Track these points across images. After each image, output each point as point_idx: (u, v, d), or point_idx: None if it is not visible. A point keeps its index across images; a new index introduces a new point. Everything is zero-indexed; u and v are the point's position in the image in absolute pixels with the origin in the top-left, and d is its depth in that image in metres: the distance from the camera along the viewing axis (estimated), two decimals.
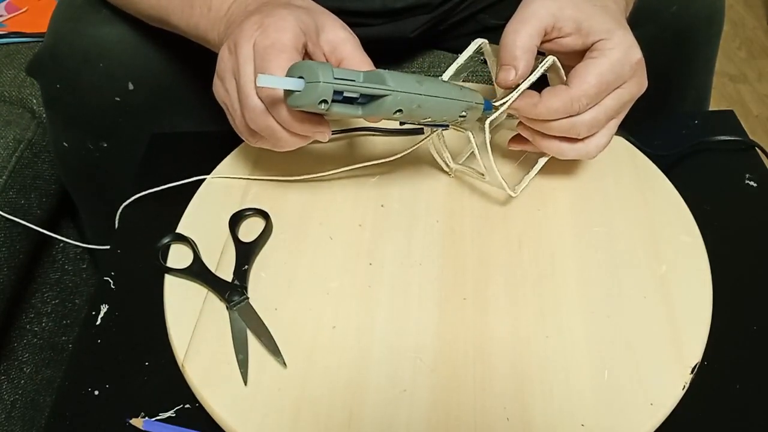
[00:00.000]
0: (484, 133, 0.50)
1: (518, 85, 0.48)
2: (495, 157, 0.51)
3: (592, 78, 0.47)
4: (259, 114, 0.45)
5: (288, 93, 0.41)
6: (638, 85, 0.49)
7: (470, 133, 0.51)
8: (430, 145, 0.55)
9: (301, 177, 0.56)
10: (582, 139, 0.50)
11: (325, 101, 0.40)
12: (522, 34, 0.47)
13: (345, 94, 0.41)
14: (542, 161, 0.55)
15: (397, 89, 0.42)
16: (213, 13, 0.52)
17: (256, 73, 0.44)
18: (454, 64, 0.51)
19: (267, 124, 0.45)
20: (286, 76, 0.41)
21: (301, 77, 0.40)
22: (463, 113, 0.47)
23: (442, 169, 0.57)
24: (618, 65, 0.47)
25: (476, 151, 0.51)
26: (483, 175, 0.53)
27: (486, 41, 0.52)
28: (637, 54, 0.47)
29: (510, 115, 0.53)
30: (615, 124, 0.51)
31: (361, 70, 0.44)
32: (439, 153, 0.56)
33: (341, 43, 0.47)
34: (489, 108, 0.49)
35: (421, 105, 0.44)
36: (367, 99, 0.42)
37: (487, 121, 0.49)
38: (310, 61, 0.42)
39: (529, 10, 0.47)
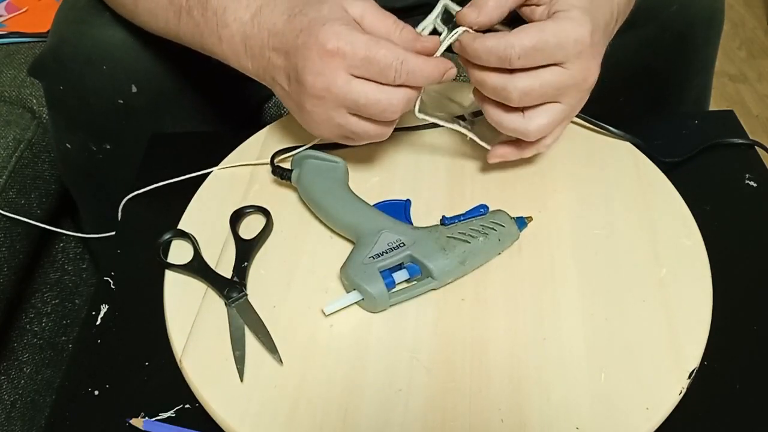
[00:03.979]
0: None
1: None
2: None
3: (533, 31, 0.46)
4: (401, 100, 0.47)
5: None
6: (583, 70, 0.48)
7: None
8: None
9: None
10: (521, 112, 0.49)
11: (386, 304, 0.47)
12: None
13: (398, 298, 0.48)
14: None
15: (442, 280, 0.48)
16: (226, 46, 0.53)
17: (381, 72, 0.46)
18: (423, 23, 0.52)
19: (407, 97, 0.48)
20: (346, 283, 0.48)
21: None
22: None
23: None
24: (562, 33, 0.46)
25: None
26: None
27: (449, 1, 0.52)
28: (585, 33, 0.46)
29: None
30: (561, 110, 0.49)
31: (391, 38, 0.48)
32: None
33: (362, 16, 0.49)
34: (523, 226, 0.52)
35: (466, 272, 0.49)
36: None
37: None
38: (360, 276, 0.47)
39: None
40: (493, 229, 0.49)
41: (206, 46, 0.55)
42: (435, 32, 0.52)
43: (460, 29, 0.49)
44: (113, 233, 0.57)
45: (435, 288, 0.48)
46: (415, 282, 0.48)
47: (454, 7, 0.52)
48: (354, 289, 0.47)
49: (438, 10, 0.51)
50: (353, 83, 0.46)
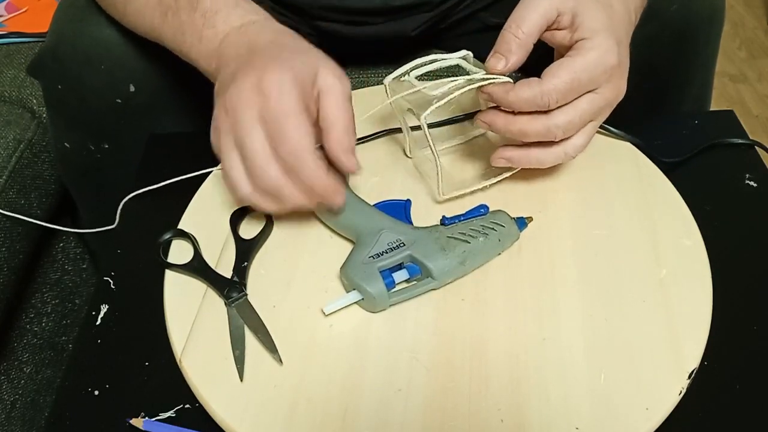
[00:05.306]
0: (426, 111, 0.50)
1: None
2: (469, 160, 0.51)
3: (565, 74, 0.47)
4: (274, 180, 0.45)
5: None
6: (615, 90, 0.49)
7: (425, 125, 0.51)
8: (404, 126, 0.56)
9: None
10: (558, 143, 0.50)
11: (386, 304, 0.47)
12: (523, 29, 0.48)
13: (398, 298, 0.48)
14: (491, 181, 0.55)
15: (442, 280, 0.48)
16: (204, 45, 0.53)
17: (276, 142, 0.44)
18: (430, 65, 0.52)
19: (278, 184, 0.45)
20: (344, 281, 0.48)
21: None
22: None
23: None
24: (592, 66, 0.47)
25: (423, 125, 0.51)
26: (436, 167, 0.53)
27: (470, 53, 0.53)
28: (612, 59, 0.47)
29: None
30: (593, 126, 0.51)
31: (331, 132, 0.46)
32: (406, 133, 0.57)
33: (327, 91, 0.47)
34: (523, 226, 0.51)
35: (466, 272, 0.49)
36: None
37: (423, 116, 0.50)
38: (359, 276, 0.46)
39: (534, 3, 0.48)
40: (493, 229, 0.49)
41: (184, 46, 0.55)
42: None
43: (501, 79, 0.49)
44: (111, 227, 0.57)
45: (435, 288, 0.48)
46: (415, 282, 0.48)
47: (470, 68, 0.52)
48: (354, 289, 0.47)
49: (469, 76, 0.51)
50: (255, 128, 0.45)
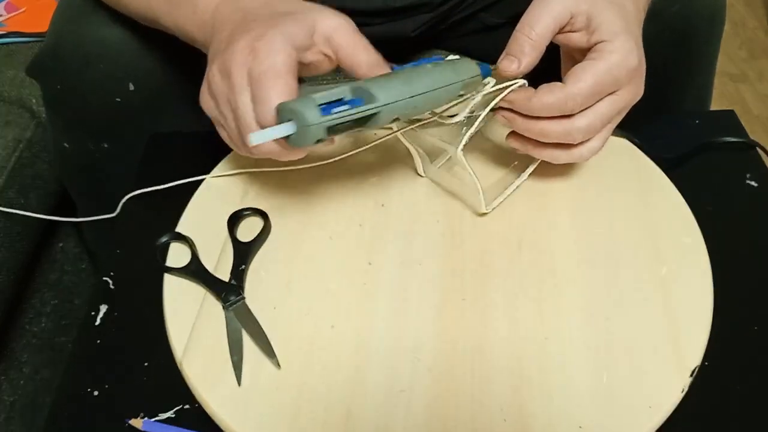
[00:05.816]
0: (460, 143, 0.50)
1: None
2: (476, 167, 0.51)
3: (589, 78, 0.47)
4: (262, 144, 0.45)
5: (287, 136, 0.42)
6: (634, 92, 0.49)
7: (462, 157, 0.51)
8: (409, 145, 0.55)
9: (300, 166, 0.55)
10: (576, 146, 0.50)
11: (321, 139, 0.41)
12: (536, 31, 0.48)
13: (337, 122, 0.41)
14: (522, 179, 0.55)
15: (387, 101, 0.42)
16: (198, 15, 0.52)
17: (255, 102, 0.44)
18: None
19: (269, 150, 0.45)
20: (277, 117, 0.42)
21: (291, 119, 0.41)
22: (461, 92, 0.47)
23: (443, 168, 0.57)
24: (615, 69, 0.47)
25: (460, 157, 0.50)
26: (461, 180, 0.52)
27: (456, 56, 0.51)
28: (634, 60, 0.47)
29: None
30: (609, 128, 0.51)
31: (357, 59, 0.46)
32: (415, 153, 0.56)
33: (333, 32, 0.47)
34: (487, 73, 0.48)
35: (416, 105, 0.44)
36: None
37: (465, 136, 0.50)
38: (294, 101, 0.42)
39: (546, 5, 0.48)
40: (446, 64, 0.46)
41: (179, 20, 0.54)
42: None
43: (515, 84, 0.48)
44: (113, 215, 0.57)
45: (378, 120, 0.42)
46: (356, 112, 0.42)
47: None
48: (289, 120, 0.41)
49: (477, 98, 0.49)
50: (246, 90, 0.44)
